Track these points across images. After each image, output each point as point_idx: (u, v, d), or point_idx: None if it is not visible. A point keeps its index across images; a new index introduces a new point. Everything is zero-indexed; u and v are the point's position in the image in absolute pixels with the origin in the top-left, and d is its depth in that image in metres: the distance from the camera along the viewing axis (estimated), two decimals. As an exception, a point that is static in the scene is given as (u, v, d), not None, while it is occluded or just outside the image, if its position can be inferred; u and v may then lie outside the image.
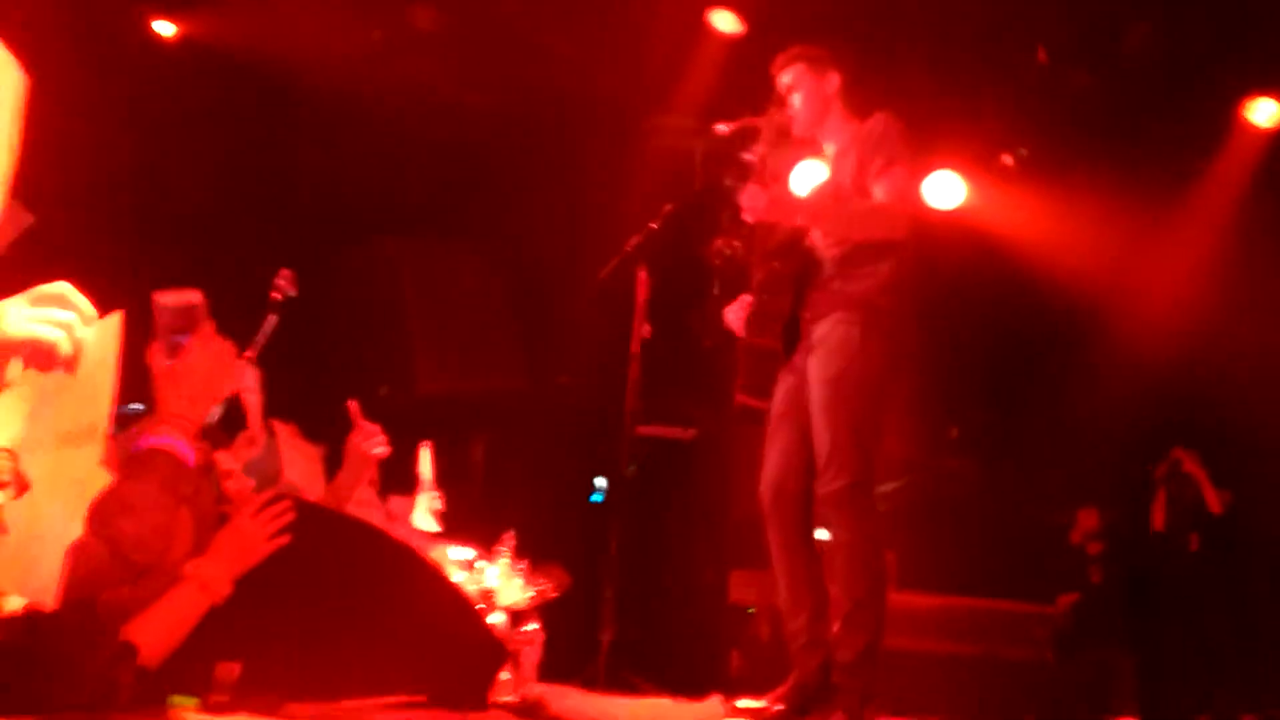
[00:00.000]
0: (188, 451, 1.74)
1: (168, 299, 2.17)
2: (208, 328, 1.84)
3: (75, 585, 1.48)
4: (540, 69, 5.07)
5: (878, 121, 3.00)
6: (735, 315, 3.16)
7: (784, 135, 3.21)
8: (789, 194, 3.14)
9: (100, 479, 1.36)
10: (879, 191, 2.93)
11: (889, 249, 2.94)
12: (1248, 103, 5.16)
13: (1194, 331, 5.20)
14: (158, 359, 1.85)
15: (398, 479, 3.30)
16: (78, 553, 1.48)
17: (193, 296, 2.15)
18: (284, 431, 3.00)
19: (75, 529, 1.38)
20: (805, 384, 2.98)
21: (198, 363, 1.78)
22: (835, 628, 2.85)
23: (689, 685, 3.08)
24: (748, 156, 3.21)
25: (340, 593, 2.08)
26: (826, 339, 2.92)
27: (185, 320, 2.05)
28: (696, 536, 5.29)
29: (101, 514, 1.55)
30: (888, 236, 2.93)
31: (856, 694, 2.78)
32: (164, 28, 4.80)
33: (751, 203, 2.94)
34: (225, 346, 1.84)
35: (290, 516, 2.03)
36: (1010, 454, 5.65)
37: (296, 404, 3.47)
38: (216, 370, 1.80)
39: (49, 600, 1.26)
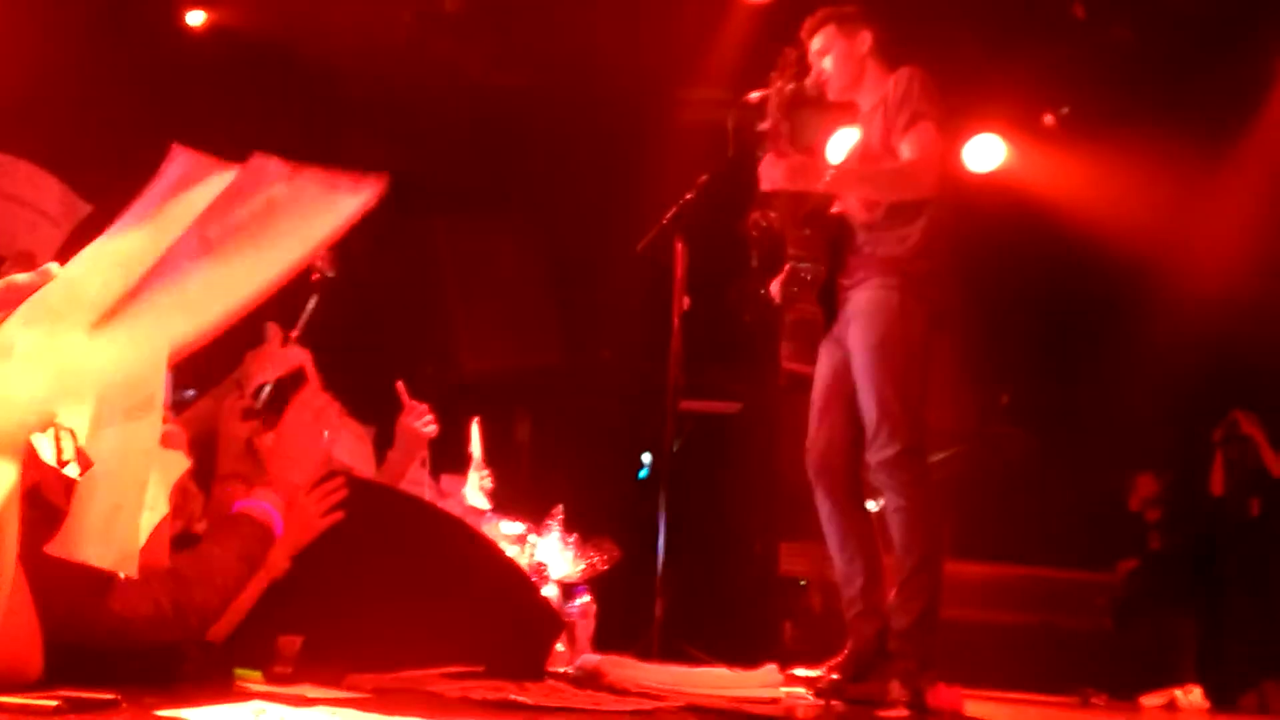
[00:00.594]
0: (279, 522, 1.78)
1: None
2: (306, 390, 1.85)
3: (132, 628, 1.51)
4: (570, 45, 5.05)
5: (901, 77, 2.93)
6: (776, 287, 3.13)
7: (800, 102, 3.15)
8: (810, 161, 3.08)
9: (160, 447, 1.37)
10: (904, 149, 2.88)
11: (919, 209, 2.89)
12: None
13: (1250, 288, 5.07)
14: (261, 436, 1.89)
15: (445, 458, 3.31)
16: (141, 590, 1.51)
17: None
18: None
19: (155, 498, 1.40)
20: (846, 354, 2.94)
21: (299, 430, 1.85)
22: (891, 595, 2.82)
23: (742, 657, 3.06)
24: (761, 126, 3.15)
25: (397, 566, 2.09)
26: (865, 306, 2.89)
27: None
28: (744, 509, 5.27)
29: (178, 574, 1.60)
30: (915, 195, 2.88)
31: (913, 661, 2.75)
32: (194, 17, 4.84)
33: (768, 173, 2.90)
34: (324, 405, 1.87)
35: (343, 493, 2.04)
36: (1063, 420, 5.55)
37: (342, 386, 3.49)
38: (317, 432, 1.84)
39: (131, 569, 1.27)
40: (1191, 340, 5.13)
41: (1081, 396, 5.49)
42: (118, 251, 1.17)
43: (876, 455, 2.81)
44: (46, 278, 1.15)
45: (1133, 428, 5.41)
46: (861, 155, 3.01)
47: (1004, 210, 5.20)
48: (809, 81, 3.10)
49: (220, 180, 1.23)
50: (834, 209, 3.04)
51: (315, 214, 1.25)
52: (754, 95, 3.25)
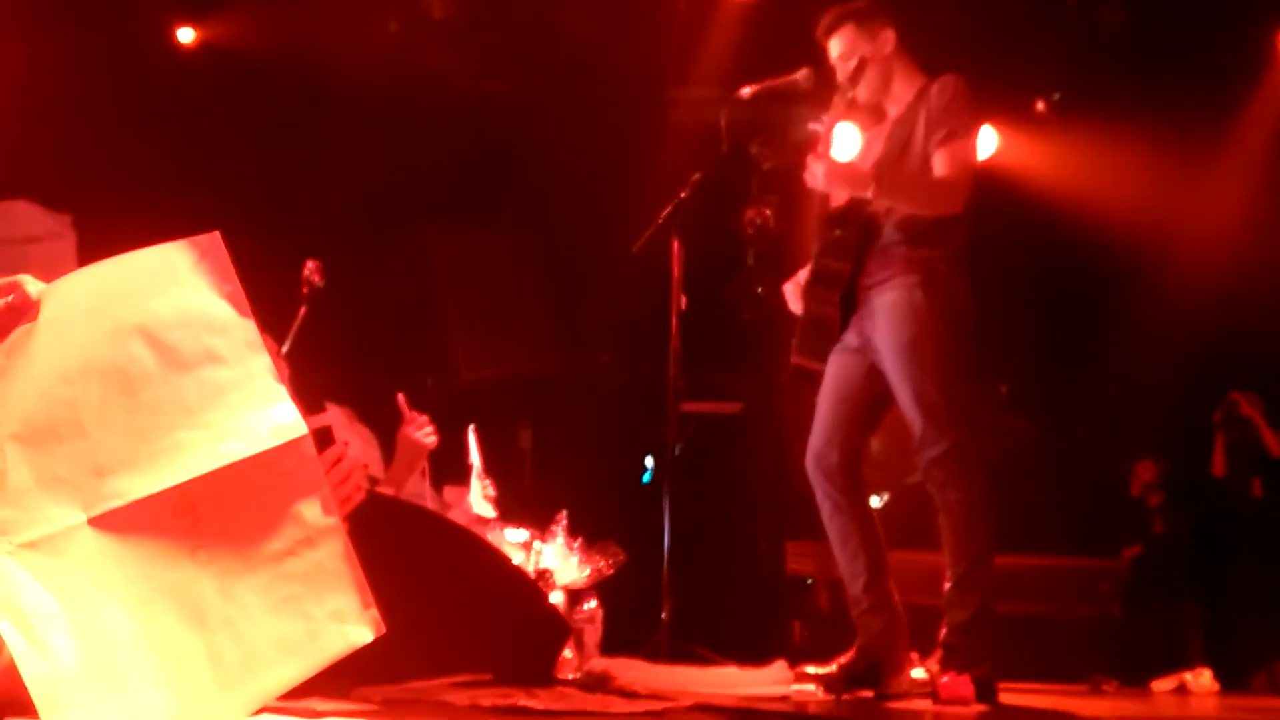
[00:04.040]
0: None
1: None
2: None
3: None
4: (558, 49, 5.05)
5: (945, 86, 2.88)
6: (793, 291, 3.10)
7: (853, 104, 3.10)
8: (854, 167, 3.05)
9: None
10: (938, 164, 2.85)
11: (949, 217, 2.87)
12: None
13: (1246, 270, 5.07)
14: None
15: (448, 469, 3.30)
16: None
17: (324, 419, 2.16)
18: (340, 415, 3.01)
19: None
20: (861, 359, 2.93)
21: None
22: (948, 588, 2.81)
23: (752, 657, 3.06)
24: (813, 125, 3.10)
25: (403, 577, 2.06)
26: (891, 307, 2.86)
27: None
28: (749, 509, 5.26)
29: None
30: (942, 212, 2.86)
31: (972, 653, 2.74)
32: (185, 34, 4.85)
33: (813, 171, 2.86)
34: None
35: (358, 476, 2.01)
36: (1062, 408, 5.55)
37: (343, 400, 3.48)
38: None
39: None
40: (1189, 324, 5.12)
41: (1080, 384, 5.49)
42: (66, 364, 1.07)
43: (928, 453, 2.79)
44: (15, 289, 1.09)
45: (1132, 414, 5.41)
46: (896, 162, 2.93)
47: (998, 199, 5.19)
48: (802, 74, 3.06)
49: (191, 292, 1.12)
50: (867, 209, 3.00)
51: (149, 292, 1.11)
52: (745, 91, 3.23)
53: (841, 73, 2.96)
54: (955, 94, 2.87)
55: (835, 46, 2.97)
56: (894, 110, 3.02)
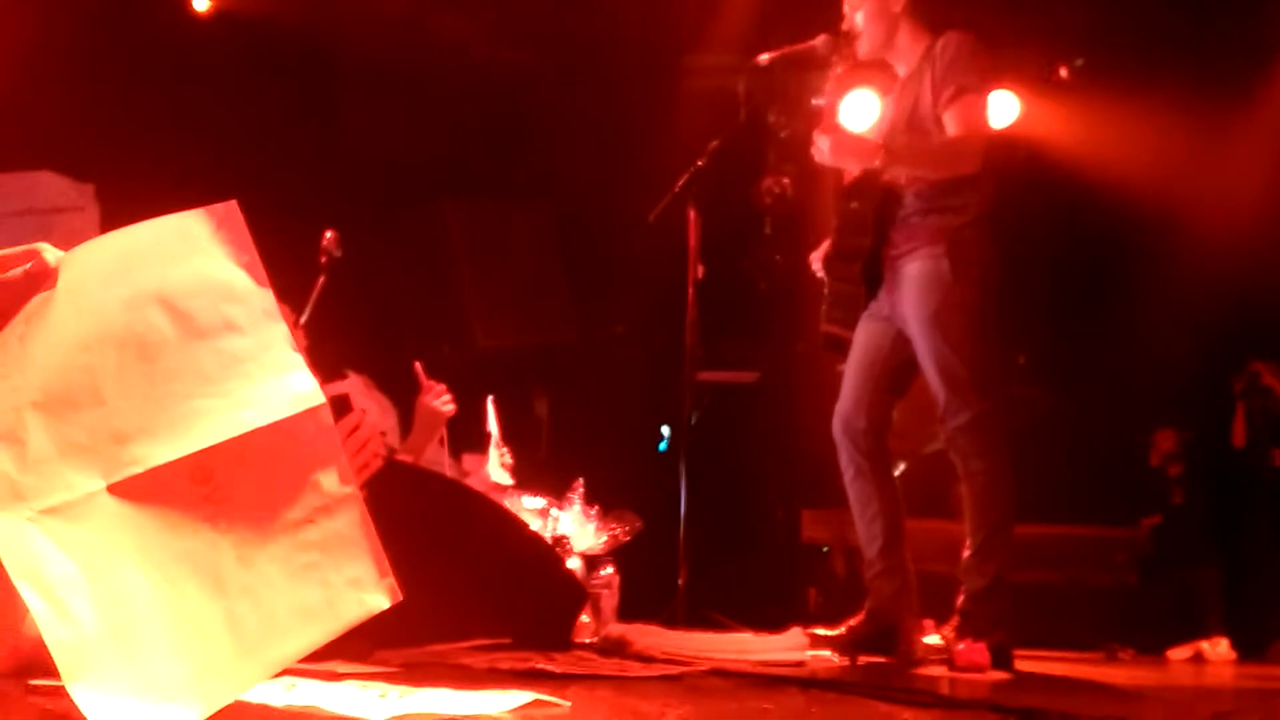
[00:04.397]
0: None
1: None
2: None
3: None
4: (572, 18, 5.00)
5: (949, 43, 2.84)
6: (818, 261, 3.09)
7: (854, 71, 3.07)
8: (861, 138, 3.01)
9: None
10: (949, 123, 2.81)
11: (971, 177, 2.84)
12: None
13: (1269, 239, 5.00)
14: None
15: (465, 437, 3.33)
16: None
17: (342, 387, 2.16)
18: (359, 383, 3.04)
19: None
20: (888, 327, 2.92)
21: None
22: (966, 556, 2.82)
23: (768, 624, 3.08)
24: (816, 101, 3.08)
25: (424, 542, 2.10)
26: (917, 277, 2.85)
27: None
28: (765, 478, 5.27)
29: None
30: (959, 173, 2.83)
31: (988, 621, 2.76)
32: (200, 2, 4.84)
33: (820, 147, 2.84)
34: None
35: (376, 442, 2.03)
36: (1081, 378, 5.52)
37: (361, 368, 3.51)
38: None
39: None
40: (1210, 293, 5.07)
41: (1099, 354, 5.45)
42: (86, 331, 1.07)
43: (952, 422, 2.80)
44: (33, 256, 1.09)
45: (1152, 383, 5.37)
46: (905, 126, 2.91)
47: (1019, 167, 5.14)
48: (821, 40, 3.03)
49: (206, 258, 1.12)
50: (881, 179, 2.98)
51: (170, 261, 1.11)
52: (763, 58, 3.20)
53: (849, 20, 2.95)
54: (960, 49, 2.83)
55: None
56: (901, 69, 2.99)
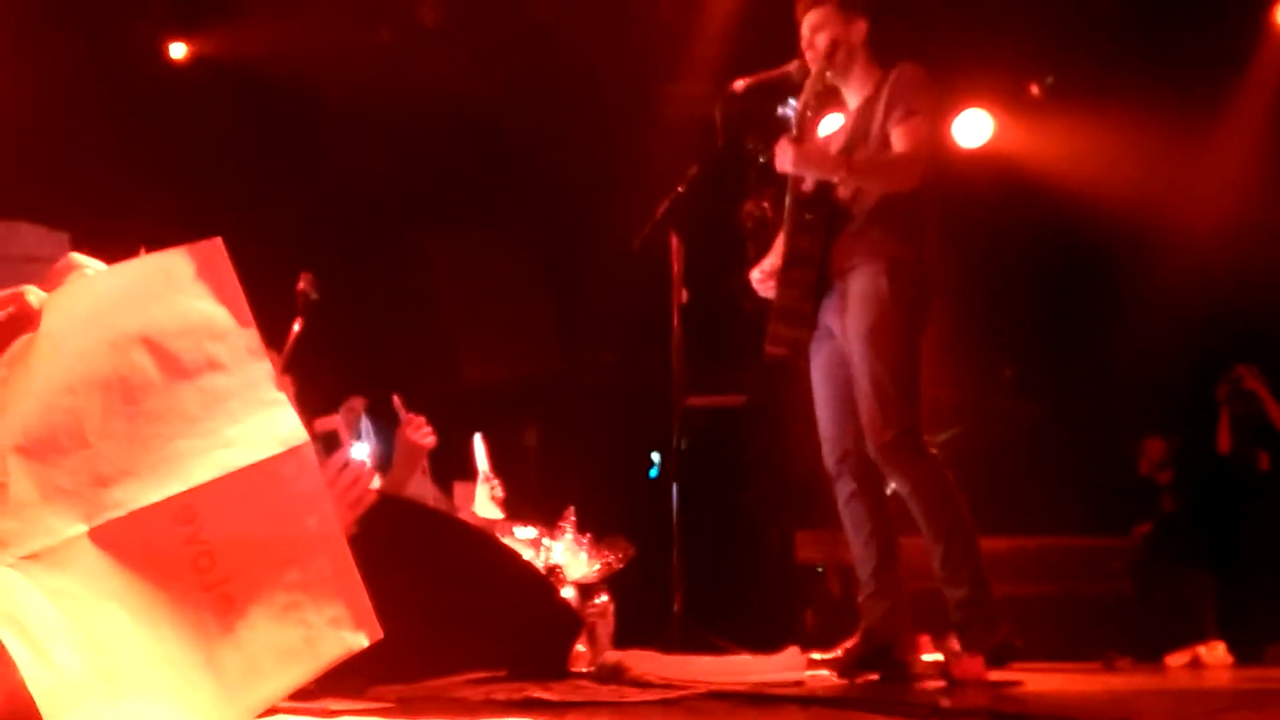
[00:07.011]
0: None
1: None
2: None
3: None
4: (548, 52, 5.05)
5: (902, 73, 2.94)
6: (761, 280, 3.12)
7: (830, 90, 3.12)
8: (824, 149, 3.07)
9: None
10: (895, 140, 2.89)
11: (906, 198, 2.90)
12: (1277, 7, 5.00)
13: (1244, 245, 5.06)
14: None
15: (454, 468, 3.32)
16: None
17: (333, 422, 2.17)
18: (357, 406, 3.02)
19: None
20: (841, 344, 2.95)
21: None
22: (938, 571, 2.83)
23: (765, 646, 3.07)
24: (783, 110, 3.12)
25: (417, 576, 2.09)
26: (856, 293, 2.90)
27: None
28: (757, 500, 5.27)
29: None
30: (899, 188, 2.89)
31: (984, 624, 2.76)
32: (177, 49, 4.87)
33: (782, 155, 2.90)
34: None
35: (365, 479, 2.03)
36: (1068, 390, 5.55)
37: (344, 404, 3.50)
38: None
39: None
40: (1191, 301, 5.12)
41: (1084, 365, 5.49)
42: (68, 372, 1.07)
43: (875, 439, 2.83)
44: (16, 299, 1.09)
45: (1138, 393, 5.41)
46: (845, 146, 2.98)
47: (996, 184, 5.19)
48: (794, 66, 3.08)
49: (188, 301, 1.12)
50: (833, 194, 3.03)
51: (150, 301, 1.11)
52: (738, 84, 3.24)
53: (808, 44, 3.00)
54: (913, 78, 2.92)
55: (811, 18, 3.01)
56: (853, 98, 3.06)
